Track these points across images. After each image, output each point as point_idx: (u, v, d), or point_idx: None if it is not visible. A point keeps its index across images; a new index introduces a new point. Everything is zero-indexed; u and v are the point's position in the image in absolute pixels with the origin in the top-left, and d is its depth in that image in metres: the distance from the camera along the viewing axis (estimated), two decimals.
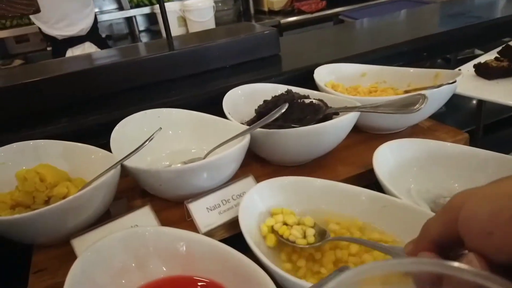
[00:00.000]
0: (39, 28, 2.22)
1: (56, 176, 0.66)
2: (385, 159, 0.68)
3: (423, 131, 0.86)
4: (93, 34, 2.27)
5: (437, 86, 0.76)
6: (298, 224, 0.58)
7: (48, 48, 2.93)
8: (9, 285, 0.74)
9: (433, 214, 0.53)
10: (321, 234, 0.56)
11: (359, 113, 0.70)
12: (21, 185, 0.64)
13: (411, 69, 0.89)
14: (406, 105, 0.62)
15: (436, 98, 0.75)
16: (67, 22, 2.12)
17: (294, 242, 0.55)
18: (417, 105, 0.60)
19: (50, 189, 0.64)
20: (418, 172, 0.69)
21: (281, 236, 0.57)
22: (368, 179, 0.72)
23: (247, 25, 1.28)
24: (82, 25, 2.17)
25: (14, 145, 0.70)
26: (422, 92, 0.67)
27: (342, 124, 0.69)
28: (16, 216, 0.55)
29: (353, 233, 0.57)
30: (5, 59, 2.97)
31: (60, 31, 2.15)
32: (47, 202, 0.64)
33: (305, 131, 0.67)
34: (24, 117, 0.87)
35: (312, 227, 0.57)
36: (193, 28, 2.54)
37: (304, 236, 0.56)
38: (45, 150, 0.71)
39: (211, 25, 2.58)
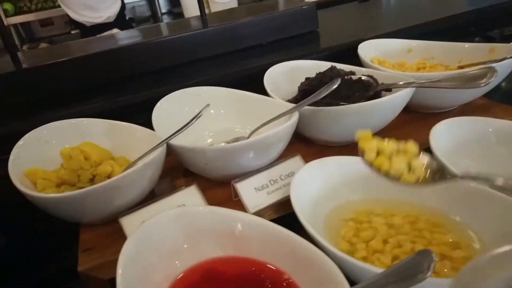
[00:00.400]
0: (68, 15, 2.22)
1: (100, 154, 0.65)
2: (443, 138, 0.63)
3: (476, 109, 0.81)
4: (121, 21, 2.26)
5: (498, 60, 0.70)
6: (398, 152, 0.47)
7: (73, 32, 2.95)
8: (58, 262, 0.74)
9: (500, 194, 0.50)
10: (435, 172, 0.44)
11: (414, 89, 0.66)
12: (66, 163, 0.63)
13: (465, 44, 0.84)
14: (471, 79, 0.58)
15: (500, 73, 0.69)
16: (93, 10, 2.12)
17: (398, 179, 0.45)
18: (485, 79, 0.56)
19: (94, 168, 0.63)
20: (477, 152, 0.65)
21: (378, 169, 0.46)
22: None
23: (283, 0, 1.23)
24: (108, 13, 2.16)
25: (57, 123, 0.68)
26: (492, 64, 0.62)
27: (397, 101, 0.65)
28: (65, 193, 0.54)
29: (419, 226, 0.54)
30: (31, 43, 3.00)
31: (87, 18, 2.14)
32: (91, 181, 0.63)
33: (358, 108, 0.63)
34: (64, 96, 0.86)
35: (417, 156, 0.46)
36: (216, 9, 2.49)
37: (410, 169, 0.45)
38: (87, 128, 0.70)
39: (234, 5, 2.53)
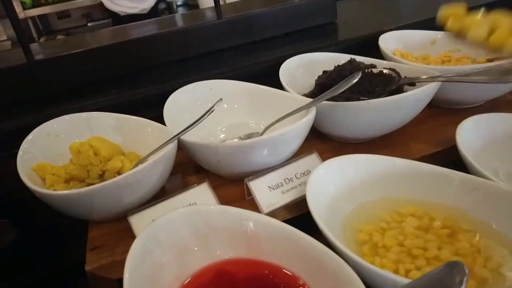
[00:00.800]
0: (102, 3, 2.23)
1: (110, 149, 0.63)
2: (470, 135, 0.59)
3: (505, 105, 0.76)
4: (153, 14, 2.26)
5: None
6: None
7: (89, 24, 2.96)
8: (65, 259, 0.73)
9: None
10: None
11: (439, 83, 0.62)
12: (75, 158, 0.61)
13: None
14: (504, 73, 0.53)
15: None
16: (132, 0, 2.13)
17: None
18: None
19: (104, 163, 0.61)
20: (507, 151, 0.61)
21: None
22: (445, 158, 0.65)
23: None
24: (144, 5, 2.16)
25: (67, 116, 0.67)
26: None
27: (421, 96, 0.61)
28: (73, 191, 0.52)
29: (436, 226, 0.50)
30: (48, 35, 3.02)
31: (122, 8, 2.15)
32: (101, 176, 0.62)
33: (379, 103, 0.60)
34: (76, 89, 0.85)
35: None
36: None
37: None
38: (98, 122, 0.68)
39: None
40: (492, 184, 0.50)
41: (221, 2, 1.05)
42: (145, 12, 2.20)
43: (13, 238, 0.80)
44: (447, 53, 0.84)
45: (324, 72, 0.77)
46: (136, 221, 0.55)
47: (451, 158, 0.62)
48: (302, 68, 0.82)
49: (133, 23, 1.12)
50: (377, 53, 0.83)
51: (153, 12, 2.28)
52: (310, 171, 0.59)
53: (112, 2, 2.14)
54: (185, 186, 0.59)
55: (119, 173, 0.61)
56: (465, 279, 0.28)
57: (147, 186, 0.56)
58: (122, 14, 2.18)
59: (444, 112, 0.77)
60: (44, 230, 0.79)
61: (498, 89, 0.71)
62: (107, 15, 2.49)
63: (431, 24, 0.95)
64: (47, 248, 0.81)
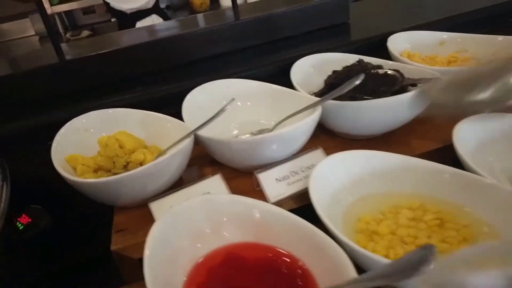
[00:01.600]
0: (107, 4, 2.29)
1: (134, 143, 0.69)
2: (467, 135, 0.63)
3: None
4: (158, 7, 2.31)
5: None
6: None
7: (113, 19, 3.04)
8: (93, 241, 0.80)
9: None
10: None
11: None
12: (103, 150, 0.68)
13: (499, 37, 0.81)
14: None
15: None
16: None
17: None
18: None
19: (128, 155, 0.68)
20: (503, 150, 0.64)
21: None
22: (444, 156, 0.68)
23: None
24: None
25: (95, 112, 0.74)
26: None
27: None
28: (101, 179, 0.59)
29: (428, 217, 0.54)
30: (74, 30, 3.13)
31: (127, 4, 2.21)
32: (125, 167, 0.68)
33: (380, 103, 0.64)
34: (104, 86, 0.92)
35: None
36: None
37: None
38: (123, 118, 0.75)
39: None
40: (485, 181, 0.53)
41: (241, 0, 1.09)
42: (149, 6, 2.23)
43: (47, 223, 0.88)
44: (454, 53, 0.86)
45: (334, 72, 0.81)
46: (156, 207, 0.61)
47: (450, 157, 0.65)
48: (313, 68, 0.86)
49: (155, 24, 1.18)
50: (387, 53, 0.86)
51: (157, 4, 2.32)
52: (315, 165, 0.64)
53: (117, 1, 2.20)
54: (201, 177, 0.65)
55: (141, 164, 0.67)
56: (431, 258, 0.32)
57: (166, 176, 0.63)
58: (129, 12, 2.23)
59: None
60: (77, 218, 0.87)
61: None
62: (112, 15, 2.54)
63: (443, 24, 0.98)
64: (79, 234, 0.88)
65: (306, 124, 0.63)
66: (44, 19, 0.85)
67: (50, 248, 0.86)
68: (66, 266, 0.89)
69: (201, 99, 0.78)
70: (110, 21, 3.07)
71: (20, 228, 0.87)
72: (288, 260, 0.52)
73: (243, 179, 0.69)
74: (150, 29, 1.17)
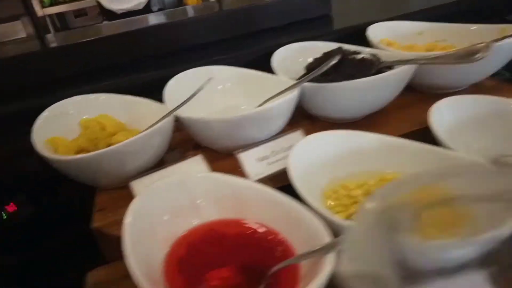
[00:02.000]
0: (99, 4, 2.31)
1: (115, 126, 0.70)
2: (443, 115, 0.64)
3: (486, 90, 0.80)
4: (149, 9, 2.34)
5: (502, 38, 0.70)
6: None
7: (105, 22, 3.05)
8: (76, 223, 0.81)
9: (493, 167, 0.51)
10: None
11: (414, 66, 0.67)
12: (84, 132, 0.68)
13: (473, 26, 0.83)
14: (466, 55, 0.59)
15: (502, 52, 0.70)
16: None
17: None
18: (479, 54, 0.57)
19: (110, 137, 0.68)
20: (479, 131, 0.66)
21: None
22: (423, 139, 0.70)
23: None
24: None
25: (78, 97, 0.75)
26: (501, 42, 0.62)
27: (395, 78, 0.67)
28: (81, 155, 0.59)
29: None
30: None
31: (118, 4, 2.23)
32: None
33: (356, 84, 0.66)
34: (89, 73, 0.93)
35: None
36: None
37: None
38: (105, 103, 0.76)
39: None
40: (462, 157, 0.54)
41: None
42: (140, 7, 2.27)
43: (30, 212, 0.88)
44: (433, 42, 0.88)
45: (314, 59, 0.83)
46: (137, 186, 0.62)
47: (428, 138, 0.67)
48: (295, 56, 0.88)
49: (142, 16, 1.20)
50: (367, 43, 0.88)
51: (148, 6, 2.35)
52: (294, 145, 0.65)
53: (109, 1, 2.22)
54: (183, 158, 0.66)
55: None
56: None
57: (146, 155, 0.63)
58: (119, 12, 2.25)
59: (429, 97, 0.80)
60: (58, 206, 0.87)
61: (474, 74, 0.76)
62: (104, 16, 2.56)
63: (423, 14, 1.00)
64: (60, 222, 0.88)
65: (283, 103, 0.64)
66: (27, 9, 0.86)
67: (32, 235, 0.86)
68: (47, 251, 0.89)
69: (184, 85, 0.79)
70: (101, 23, 3.08)
71: (4, 218, 0.87)
72: (268, 233, 0.53)
73: (225, 160, 0.70)
74: (134, 20, 1.18)
